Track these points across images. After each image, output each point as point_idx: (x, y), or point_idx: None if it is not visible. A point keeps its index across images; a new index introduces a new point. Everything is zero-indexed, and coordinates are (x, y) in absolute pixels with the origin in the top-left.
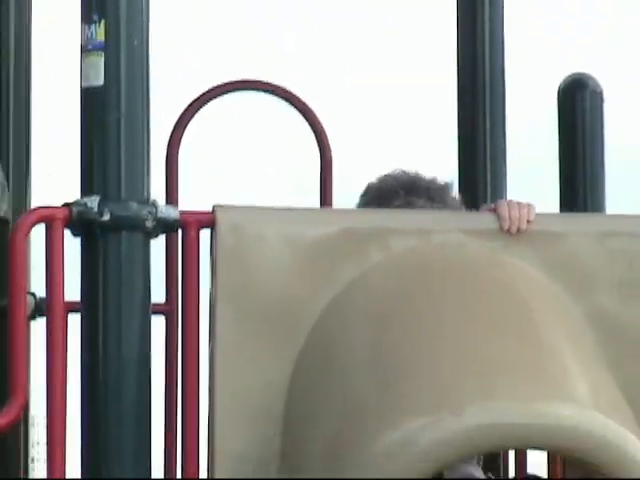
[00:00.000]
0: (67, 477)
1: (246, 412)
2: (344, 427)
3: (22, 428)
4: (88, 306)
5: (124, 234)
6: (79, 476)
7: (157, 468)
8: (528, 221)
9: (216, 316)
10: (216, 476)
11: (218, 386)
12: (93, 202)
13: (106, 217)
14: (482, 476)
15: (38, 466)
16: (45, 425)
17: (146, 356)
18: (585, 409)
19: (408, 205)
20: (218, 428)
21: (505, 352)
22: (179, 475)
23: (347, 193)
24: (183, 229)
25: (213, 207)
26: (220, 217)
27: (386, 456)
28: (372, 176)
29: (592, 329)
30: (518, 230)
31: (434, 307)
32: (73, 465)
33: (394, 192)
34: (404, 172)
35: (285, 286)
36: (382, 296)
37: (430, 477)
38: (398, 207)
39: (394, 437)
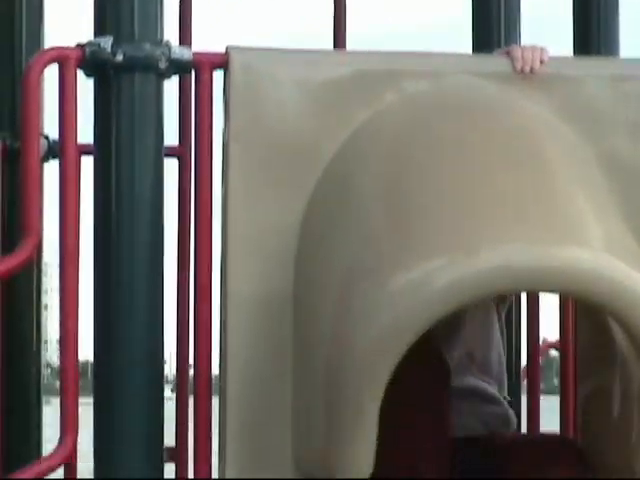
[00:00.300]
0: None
1: (259, 253)
2: (358, 268)
3: (35, 275)
4: (101, 148)
5: (137, 75)
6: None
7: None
8: (541, 62)
9: (229, 157)
10: (229, 318)
11: (231, 227)
12: (106, 42)
13: (119, 57)
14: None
15: (51, 313)
16: (58, 274)
17: (159, 197)
18: (600, 253)
19: None
20: (231, 269)
21: (520, 196)
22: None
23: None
24: (196, 70)
25: (227, 48)
26: (234, 58)
27: (400, 296)
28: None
29: (605, 173)
30: (531, 71)
31: (449, 147)
32: (84, 311)
33: None
34: None
35: (298, 127)
36: (396, 135)
37: (442, 319)
38: None
39: (409, 277)
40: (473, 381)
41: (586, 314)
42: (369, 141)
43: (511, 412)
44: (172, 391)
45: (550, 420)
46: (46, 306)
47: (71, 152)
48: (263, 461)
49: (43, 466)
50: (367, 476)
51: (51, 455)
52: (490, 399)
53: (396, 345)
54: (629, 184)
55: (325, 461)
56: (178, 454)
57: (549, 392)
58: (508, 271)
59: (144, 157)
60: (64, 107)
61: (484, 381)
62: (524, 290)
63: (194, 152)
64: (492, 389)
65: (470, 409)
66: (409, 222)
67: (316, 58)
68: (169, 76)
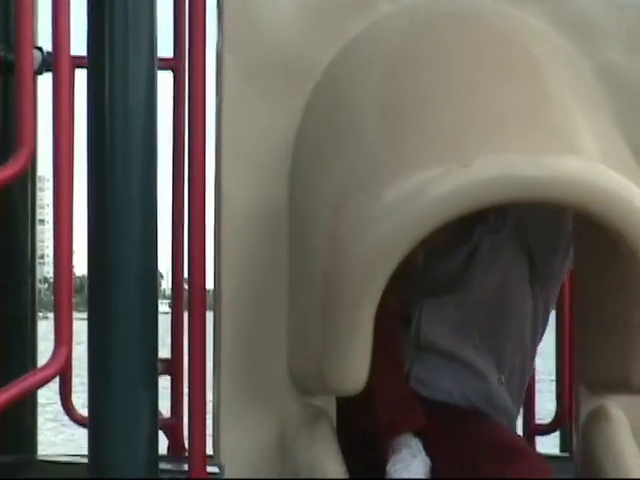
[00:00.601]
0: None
1: (253, 167)
2: (354, 178)
3: (29, 188)
4: (94, 60)
5: None
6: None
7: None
8: None
9: (223, 68)
10: (223, 233)
11: (225, 140)
12: None
13: None
14: None
15: (47, 227)
16: (52, 186)
17: (152, 110)
18: (594, 163)
19: None
20: (225, 184)
21: (514, 105)
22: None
23: None
24: None
25: None
26: None
27: (396, 206)
28: None
29: (601, 83)
30: None
31: (444, 57)
32: (81, 225)
33: None
34: None
35: (292, 39)
36: (392, 46)
37: (437, 229)
38: None
39: (404, 187)
40: (467, 352)
41: (584, 237)
42: (364, 52)
43: (499, 393)
44: (170, 306)
45: (547, 337)
46: (42, 221)
47: (65, 64)
48: (258, 374)
49: (37, 377)
50: (361, 388)
51: (45, 366)
52: (476, 373)
53: (391, 256)
54: (624, 97)
55: (320, 373)
56: (174, 366)
57: None
58: (504, 181)
59: (138, 69)
60: (58, 19)
61: (481, 356)
62: (520, 201)
63: (188, 64)
64: (486, 364)
65: (452, 376)
66: (405, 132)
67: None
68: None
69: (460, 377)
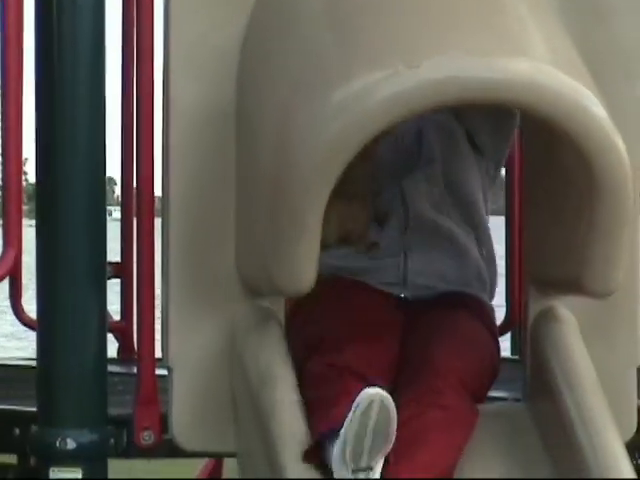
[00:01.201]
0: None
1: (201, 71)
2: (303, 81)
3: None
4: None
5: None
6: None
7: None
8: None
9: None
10: (170, 136)
11: (172, 45)
12: None
13: None
14: None
15: None
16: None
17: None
18: (542, 64)
19: None
20: (172, 89)
21: (464, 8)
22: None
23: None
24: None
25: None
26: None
27: (343, 107)
28: None
29: None
30: None
31: None
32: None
33: None
34: None
35: None
36: None
37: (385, 131)
38: None
39: (352, 89)
40: (452, 228)
41: (532, 134)
42: None
43: (484, 267)
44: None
45: (497, 240)
46: None
47: None
48: (206, 277)
49: None
50: (309, 290)
51: None
52: (464, 249)
53: (338, 157)
54: (574, 2)
55: (269, 275)
56: (124, 270)
57: (494, 213)
58: (453, 82)
59: None
60: None
61: (464, 232)
62: (469, 102)
63: None
64: (469, 239)
65: (445, 259)
66: (352, 35)
67: None
68: None
69: (452, 256)
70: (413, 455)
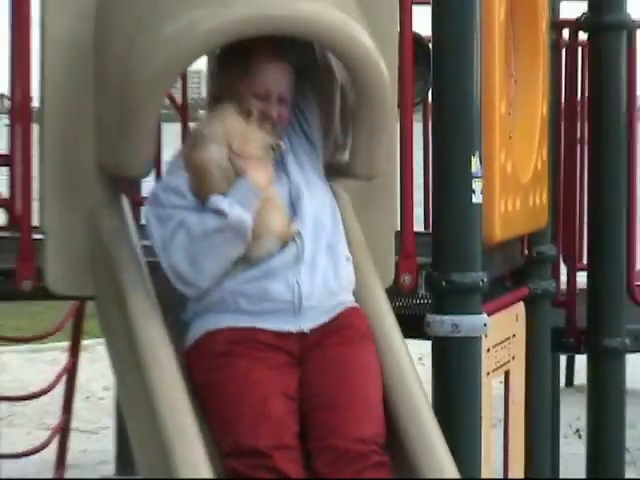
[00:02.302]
0: None
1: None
2: (143, 21)
3: None
4: None
5: None
6: None
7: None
8: None
9: None
10: (45, 54)
11: None
12: None
13: None
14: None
15: None
16: None
17: None
18: (326, 5)
19: None
20: (46, 16)
21: None
22: None
23: None
24: None
25: None
26: None
27: (170, 41)
28: None
29: None
30: None
31: None
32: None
33: None
34: None
35: None
36: None
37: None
38: None
39: (180, 24)
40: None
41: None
42: None
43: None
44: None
45: None
46: None
47: None
48: (74, 166)
49: None
50: (148, 173)
51: None
52: (341, 255)
53: (168, 76)
54: None
55: (115, 160)
56: (11, 162)
57: None
58: (256, 18)
59: None
60: None
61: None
62: (265, 33)
63: None
64: (342, 244)
65: (319, 272)
66: None
67: None
68: None
69: (331, 263)
70: None
